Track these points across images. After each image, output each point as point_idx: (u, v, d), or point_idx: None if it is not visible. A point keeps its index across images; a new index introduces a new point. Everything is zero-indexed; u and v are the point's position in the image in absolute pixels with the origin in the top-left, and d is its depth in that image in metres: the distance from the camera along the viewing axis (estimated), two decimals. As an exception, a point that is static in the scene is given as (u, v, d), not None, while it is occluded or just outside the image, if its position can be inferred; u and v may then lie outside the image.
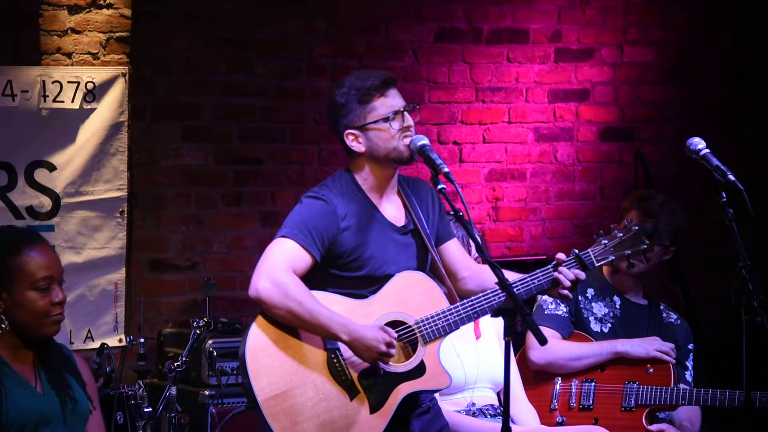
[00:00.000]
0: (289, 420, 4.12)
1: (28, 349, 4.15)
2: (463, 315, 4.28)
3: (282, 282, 4.13)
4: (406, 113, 4.29)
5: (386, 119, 4.26)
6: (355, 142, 4.31)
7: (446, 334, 4.28)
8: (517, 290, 4.20)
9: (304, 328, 4.17)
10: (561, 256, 4.34)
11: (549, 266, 4.33)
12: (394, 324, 4.25)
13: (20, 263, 4.06)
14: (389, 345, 4.15)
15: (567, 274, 4.28)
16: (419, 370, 4.25)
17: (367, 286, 4.27)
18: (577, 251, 4.35)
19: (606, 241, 4.37)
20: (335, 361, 4.19)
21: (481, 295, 4.28)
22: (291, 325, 4.17)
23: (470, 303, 4.28)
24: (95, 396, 4.27)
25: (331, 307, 4.18)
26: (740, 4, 7.67)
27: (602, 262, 4.37)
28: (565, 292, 4.30)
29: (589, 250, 4.37)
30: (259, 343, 4.16)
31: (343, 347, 4.19)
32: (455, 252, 4.50)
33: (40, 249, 4.14)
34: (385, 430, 4.19)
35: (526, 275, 4.32)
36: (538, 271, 4.33)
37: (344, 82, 4.34)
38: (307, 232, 4.20)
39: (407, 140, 4.27)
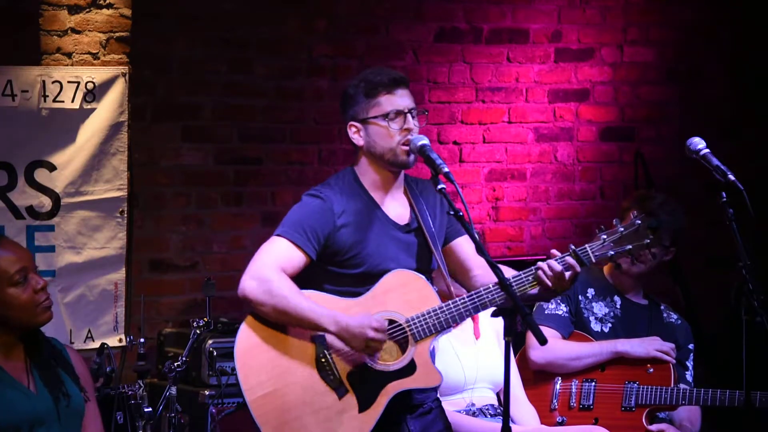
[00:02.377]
0: (277, 419, 4.13)
1: (20, 347, 4.15)
2: (455, 313, 4.26)
3: (267, 280, 4.15)
4: (409, 116, 4.28)
5: (386, 116, 4.26)
6: (356, 135, 4.33)
7: (437, 332, 4.26)
8: (510, 285, 4.13)
9: (291, 323, 4.18)
10: (555, 252, 4.24)
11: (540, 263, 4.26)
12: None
13: None
14: (377, 330, 4.14)
15: (553, 266, 4.17)
16: (409, 368, 4.24)
17: (365, 284, 4.27)
18: (573, 247, 4.23)
19: (605, 236, 4.23)
20: (323, 360, 4.19)
21: (473, 293, 4.26)
22: (278, 323, 4.18)
23: (461, 301, 4.26)
24: (89, 387, 4.27)
25: (323, 305, 4.19)
26: (741, 4, 7.66)
27: (600, 257, 4.23)
28: (548, 283, 4.16)
29: (587, 245, 4.25)
30: (249, 342, 4.18)
31: (331, 344, 4.19)
32: (467, 249, 4.44)
33: (4, 245, 4.17)
34: (374, 429, 4.19)
35: (521, 272, 4.26)
36: (532, 267, 4.24)
37: (359, 75, 4.37)
38: (301, 230, 4.22)
39: (406, 144, 4.26)
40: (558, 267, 4.19)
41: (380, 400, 4.20)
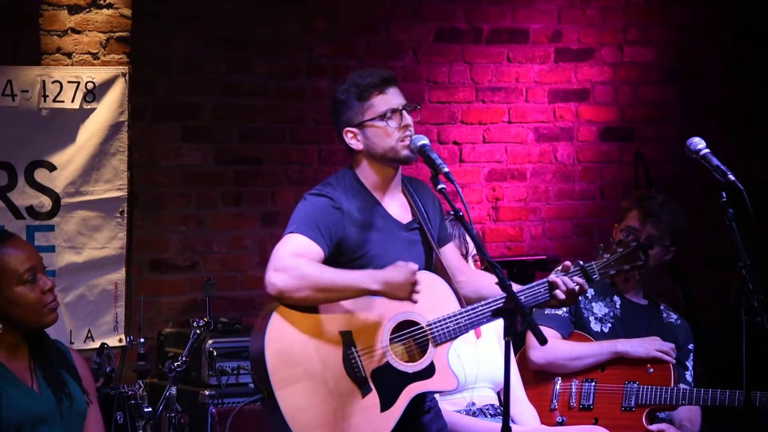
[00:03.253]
0: (303, 413, 4.12)
1: (24, 348, 4.16)
2: (474, 319, 4.28)
3: (293, 266, 4.11)
4: (404, 112, 4.29)
5: (383, 117, 4.26)
6: (353, 140, 4.31)
7: (456, 337, 4.29)
8: (524, 299, 4.23)
9: (331, 298, 4.15)
10: (568, 264, 4.37)
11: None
12: (406, 324, 4.26)
13: (0, 263, 4.08)
14: (414, 273, 4.14)
15: (568, 283, 4.30)
16: (429, 370, 4.26)
17: None
18: (581, 263, 4.37)
19: (608, 256, 4.41)
20: (351, 357, 4.19)
21: (491, 300, 4.29)
22: (318, 303, 4.15)
23: (480, 307, 4.28)
24: (92, 390, 4.28)
25: (346, 303, 4.20)
26: (740, 4, 7.67)
27: (603, 276, 4.41)
28: (562, 296, 4.29)
29: (593, 263, 4.39)
30: (279, 335, 4.14)
31: (359, 343, 4.19)
32: (452, 256, 4.51)
33: (15, 244, 4.17)
34: (394, 429, 4.20)
35: (533, 283, 4.33)
36: (544, 280, 4.34)
37: (346, 80, 4.34)
38: (314, 226, 4.19)
39: (406, 140, 4.27)
40: (572, 284, 4.31)
41: (401, 400, 4.21)
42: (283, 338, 4.15)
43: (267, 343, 4.13)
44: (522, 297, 4.28)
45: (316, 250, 4.19)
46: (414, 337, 4.25)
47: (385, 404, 4.20)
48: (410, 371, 4.24)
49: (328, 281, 4.12)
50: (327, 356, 4.18)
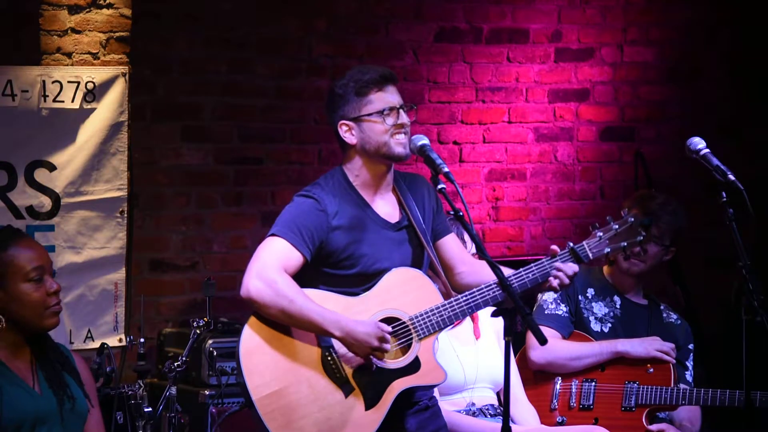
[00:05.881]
0: (284, 418, 4.13)
1: (26, 348, 4.17)
2: (458, 310, 4.28)
3: (273, 281, 4.14)
4: (401, 111, 4.30)
5: (380, 113, 4.27)
6: (348, 134, 4.33)
7: (440, 329, 4.28)
8: (511, 284, 4.18)
9: (296, 326, 4.18)
10: (555, 248, 4.32)
11: (544, 259, 4.32)
12: (388, 320, 4.25)
13: (9, 258, 4.12)
14: (382, 340, 4.15)
15: (566, 269, 4.26)
16: (414, 365, 4.26)
17: (360, 284, 4.28)
18: (572, 244, 4.32)
19: (601, 234, 4.33)
20: (329, 358, 4.19)
21: (475, 290, 4.28)
22: (283, 324, 4.19)
23: (464, 298, 4.28)
24: (94, 394, 4.29)
25: (325, 304, 4.19)
26: (741, 4, 7.67)
27: (597, 255, 4.33)
28: (557, 283, 4.25)
29: (584, 242, 4.33)
30: (253, 342, 4.18)
31: (337, 344, 4.20)
32: (453, 247, 4.50)
33: (26, 242, 4.20)
34: (380, 427, 4.20)
35: (521, 269, 4.30)
36: (532, 264, 4.31)
37: (346, 75, 4.38)
38: (297, 231, 4.22)
39: (400, 137, 4.27)
40: (567, 269, 4.25)
41: (386, 397, 4.21)
42: (257, 346, 4.17)
43: (242, 350, 4.16)
44: (518, 280, 4.26)
45: (297, 256, 4.21)
46: (396, 333, 4.25)
47: (370, 402, 4.20)
48: (394, 367, 4.23)
49: (296, 310, 4.14)
50: (305, 359, 4.19)
